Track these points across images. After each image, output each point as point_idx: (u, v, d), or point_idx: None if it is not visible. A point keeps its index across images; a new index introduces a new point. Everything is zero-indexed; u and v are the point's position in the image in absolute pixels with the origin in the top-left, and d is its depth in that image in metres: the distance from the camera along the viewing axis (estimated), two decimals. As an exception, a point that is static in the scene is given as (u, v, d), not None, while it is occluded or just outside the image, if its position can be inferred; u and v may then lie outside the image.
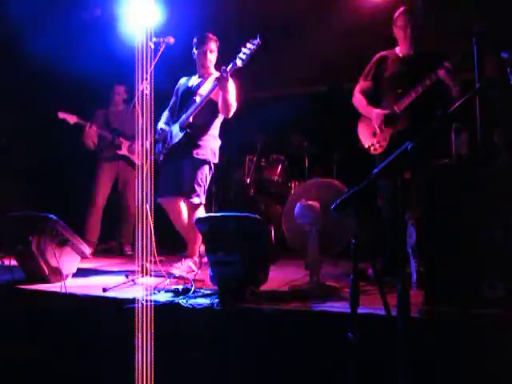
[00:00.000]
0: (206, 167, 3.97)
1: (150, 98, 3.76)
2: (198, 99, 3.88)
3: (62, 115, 5.14)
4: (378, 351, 2.29)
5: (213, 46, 4.03)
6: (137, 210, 3.47)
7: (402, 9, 3.71)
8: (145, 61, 3.60)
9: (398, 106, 3.58)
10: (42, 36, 4.70)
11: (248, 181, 5.37)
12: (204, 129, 3.96)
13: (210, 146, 3.98)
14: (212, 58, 4.06)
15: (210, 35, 4.04)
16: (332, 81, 5.63)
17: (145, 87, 3.74)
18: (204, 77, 4.07)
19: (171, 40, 3.80)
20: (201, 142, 3.93)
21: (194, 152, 3.90)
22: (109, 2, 5.02)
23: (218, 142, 4.07)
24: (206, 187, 4.00)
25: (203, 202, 3.97)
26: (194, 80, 4.13)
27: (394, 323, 1.84)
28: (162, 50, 3.74)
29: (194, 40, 4.07)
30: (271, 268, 3.18)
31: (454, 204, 2.51)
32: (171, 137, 4.01)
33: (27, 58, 5.08)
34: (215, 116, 3.99)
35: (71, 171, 5.83)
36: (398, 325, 1.82)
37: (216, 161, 4.04)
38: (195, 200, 3.88)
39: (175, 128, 3.98)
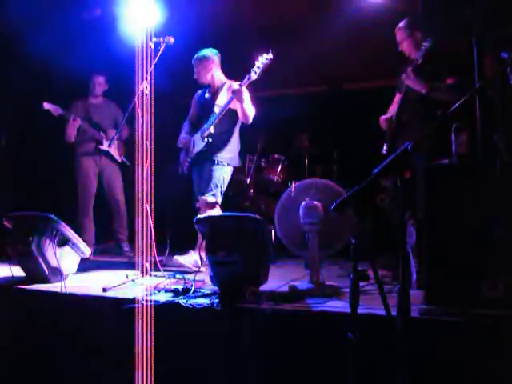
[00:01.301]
0: (224, 169, 4.20)
1: (150, 97, 3.76)
2: (216, 109, 4.15)
3: (47, 106, 5.04)
4: (378, 351, 2.29)
5: (211, 62, 4.28)
6: (137, 210, 3.47)
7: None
8: (145, 61, 3.60)
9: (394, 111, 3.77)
10: (42, 36, 4.69)
11: (248, 181, 5.37)
12: (225, 136, 4.22)
13: (231, 150, 4.24)
14: (216, 71, 4.33)
15: (208, 54, 4.28)
16: (332, 81, 5.63)
17: (145, 87, 3.74)
18: (217, 86, 4.33)
19: (171, 40, 3.80)
20: (219, 145, 4.19)
21: (214, 155, 4.18)
22: (109, 2, 5.01)
23: (238, 147, 4.34)
24: (224, 189, 4.22)
25: (219, 202, 4.16)
26: (210, 90, 4.39)
27: (394, 323, 1.84)
28: (162, 50, 3.74)
29: (194, 60, 4.31)
30: (271, 268, 3.19)
31: (454, 204, 2.51)
32: (194, 145, 4.25)
33: (26, 58, 5.08)
34: (234, 123, 4.25)
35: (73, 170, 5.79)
36: (397, 325, 1.82)
37: (236, 164, 4.33)
38: (209, 198, 4.09)
39: (197, 137, 4.23)
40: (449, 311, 2.43)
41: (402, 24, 3.78)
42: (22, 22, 4.81)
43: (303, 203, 3.19)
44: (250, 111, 4.09)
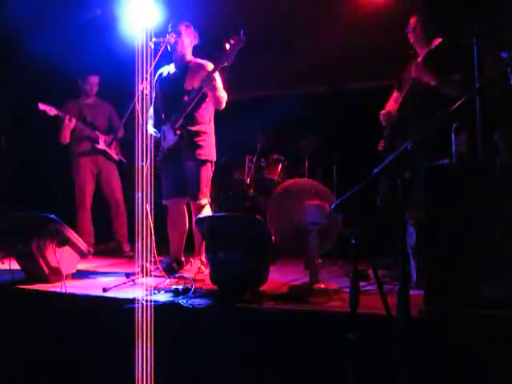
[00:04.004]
0: (209, 166, 3.93)
1: (150, 98, 3.76)
2: (186, 97, 3.78)
3: (42, 107, 4.97)
4: (378, 351, 2.29)
5: (182, 30, 3.89)
6: (137, 210, 3.47)
7: None
8: (145, 61, 3.59)
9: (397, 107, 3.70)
10: (42, 36, 4.69)
11: (248, 181, 5.37)
12: (203, 128, 3.89)
13: (209, 143, 3.92)
14: (185, 42, 3.91)
15: (180, 22, 3.92)
16: (332, 81, 5.63)
17: (145, 87, 3.74)
18: (183, 66, 3.94)
19: (171, 40, 3.79)
20: (200, 142, 3.87)
21: (197, 153, 3.83)
22: (109, 2, 5.02)
23: (214, 138, 4.00)
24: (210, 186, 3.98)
25: (209, 201, 3.96)
26: (173, 70, 3.99)
27: (394, 323, 1.84)
28: (161, 50, 3.73)
29: (179, 26, 3.91)
30: (271, 268, 3.18)
31: (454, 204, 2.51)
32: (165, 139, 3.90)
33: (26, 58, 5.08)
34: (208, 112, 3.92)
35: (51, 169, 5.77)
36: (397, 325, 1.82)
37: (215, 158, 3.98)
38: (203, 201, 3.85)
39: (167, 129, 3.87)
40: (449, 311, 2.43)
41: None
42: (22, 22, 4.81)
43: (312, 204, 3.18)
44: (223, 96, 3.77)
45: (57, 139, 5.13)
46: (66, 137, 5.11)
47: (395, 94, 3.89)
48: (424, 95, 3.52)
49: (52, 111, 5.01)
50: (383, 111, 3.84)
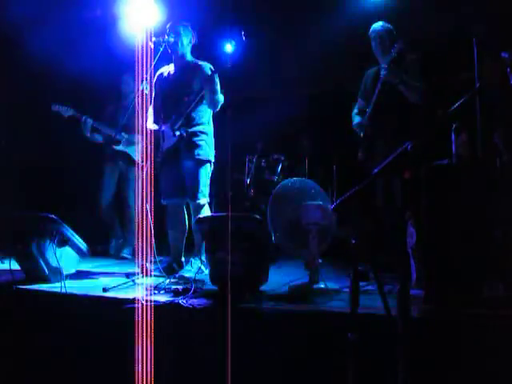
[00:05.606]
0: (208, 166, 3.92)
1: (150, 97, 3.76)
2: (186, 98, 3.80)
3: (55, 108, 4.84)
4: (378, 351, 2.29)
5: (180, 30, 3.87)
6: (137, 210, 3.47)
7: None
8: (145, 61, 3.60)
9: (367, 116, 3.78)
10: (42, 36, 4.70)
11: (248, 181, 5.37)
12: (199, 129, 3.88)
13: (208, 143, 3.92)
14: (184, 42, 3.91)
15: (178, 22, 3.91)
16: (332, 81, 5.63)
17: (145, 87, 3.73)
18: (183, 66, 3.94)
19: (171, 40, 3.80)
20: (199, 142, 3.87)
21: (196, 153, 3.83)
22: (109, 2, 5.02)
23: (213, 138, 4.00)
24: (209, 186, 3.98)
25: (208, 200, 3.96)
26: (173, 70, 3.99)
27: (394, 323, 1.84)
28: (161, 49, 3.73)
29: (179, 25, 3.91)
30: (271, 268, 3.19)
31: (454, 204, 2.51)
32: (164, 139, 3.88)
33: (27, 58, 5.07)
34: (207, 113, 3.92)
35: (73, 170, 5.77)
36: (397, 325, 1.82)
37: (214, 158, 3.98)
38: (202, 201, 3.85)
39: (167, 130, 3.86)
40: (449, 311, 2.44)
41: (384, 24, 3.79)
42: (23, 22, 4.81)
43: (312, 203, 3.18)
44: (219, 99, 3.75)
45: (63, 138, 5.02)
46: (90, 138, 4.94)
47: (361, 102, 3.98)
48: (393, 102, 3.59)
49: (67, 112, 4.84)
50: (355, 122, 3.90)
